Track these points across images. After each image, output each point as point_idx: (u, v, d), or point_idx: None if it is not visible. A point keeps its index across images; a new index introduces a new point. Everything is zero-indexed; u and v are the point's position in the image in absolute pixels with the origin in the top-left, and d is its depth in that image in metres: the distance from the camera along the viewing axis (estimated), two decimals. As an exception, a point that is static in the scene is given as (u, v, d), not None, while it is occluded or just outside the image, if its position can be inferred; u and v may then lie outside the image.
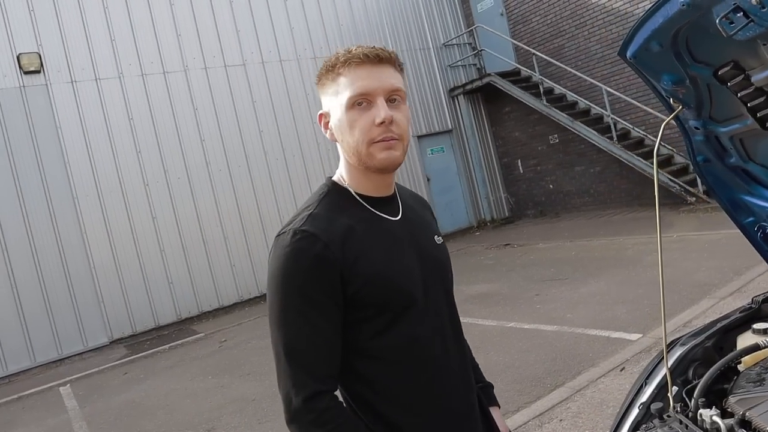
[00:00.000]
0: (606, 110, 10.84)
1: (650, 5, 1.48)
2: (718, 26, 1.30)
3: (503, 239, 10.90)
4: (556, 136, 12.10)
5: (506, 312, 6.23)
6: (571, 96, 11.76)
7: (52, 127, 8.90)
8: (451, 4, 13.62)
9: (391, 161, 1.24)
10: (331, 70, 1.25)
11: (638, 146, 10.76)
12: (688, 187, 9.69)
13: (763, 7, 1.21)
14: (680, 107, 1.77)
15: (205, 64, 10.36)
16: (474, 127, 13.35)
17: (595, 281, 6.67)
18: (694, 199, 9.60)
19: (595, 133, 10.89)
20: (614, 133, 10.65)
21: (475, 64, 13.60)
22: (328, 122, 1.30)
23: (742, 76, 1.51)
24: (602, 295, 6.07)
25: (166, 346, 8.14)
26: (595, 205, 11.85)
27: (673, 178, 9.82)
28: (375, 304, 1.21)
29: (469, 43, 13.60)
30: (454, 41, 13.42)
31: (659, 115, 10.13)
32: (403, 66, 1.32)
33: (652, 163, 10.08)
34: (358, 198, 1.30)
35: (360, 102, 1.22)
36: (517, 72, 12.51)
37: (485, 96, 13.28)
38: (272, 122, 10.85)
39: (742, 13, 1.25)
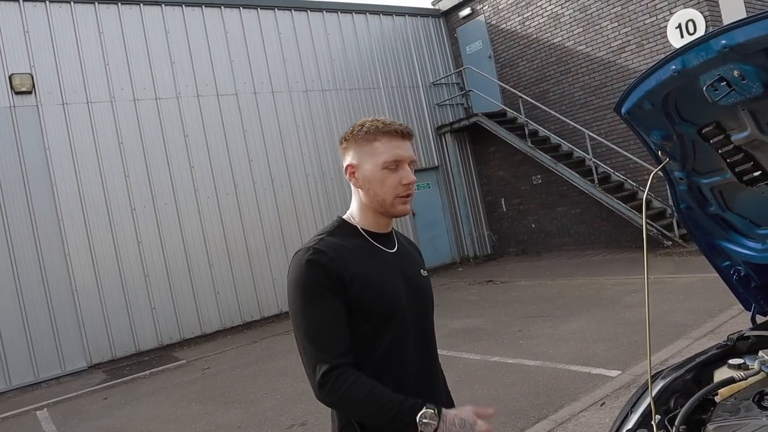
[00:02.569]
0: (588, 154, 11.19)
1: (645, 69, 1.67)
2: (705, 93, 1.50)
3: (486, 276, 11.06)
4: (539, 176, 12.42)
5: (490, 346, 6.34)
6: (555, 139, 12.13)
7: (40, 147, 8.91)
8: (441, 45, 14.05)
9: (406, 212, 1.64)
10: (369, 133, 1.58)
11: (618, 190, 11.10)
12: (665, 231, 9.99)
13: (744, 79, 1.40)
14: (667, 159, 1.97)
15: (198, 92, 10.50)
16: (460, 165, 13.65)
17: (576, 319, 6.84)
18: (670, 243, 9.90)
19: (577, 175, 11.22)
20: (595, 176, 10.99)
21: (462, 104, 13.98)
22: (354, 172, 1.61)
23: (723, 135, 1.71)
24: (583, 332, 6.23)
25: (147, 372, 8.06)
26: (575, 245, 12.11)
27: (650, 222, 10.12)
28: (364, 310, 1.51)
29: (458, 83, 14.00)
30: (442, 81, 13.81)
31: (638, 160, 10.49)
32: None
33: (631, 207, 10.44)
34: (362, 232, 1.63)
35: (392, 166, 1.57)
36: (503, 113, 12.89)
37: (471, 135, 13.62)
38: (262, 152, 10.98)
39: (725, 82, 1.45)
